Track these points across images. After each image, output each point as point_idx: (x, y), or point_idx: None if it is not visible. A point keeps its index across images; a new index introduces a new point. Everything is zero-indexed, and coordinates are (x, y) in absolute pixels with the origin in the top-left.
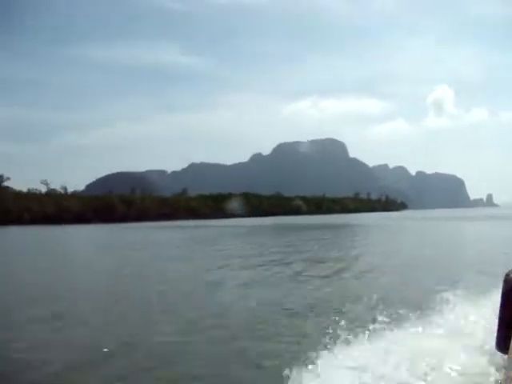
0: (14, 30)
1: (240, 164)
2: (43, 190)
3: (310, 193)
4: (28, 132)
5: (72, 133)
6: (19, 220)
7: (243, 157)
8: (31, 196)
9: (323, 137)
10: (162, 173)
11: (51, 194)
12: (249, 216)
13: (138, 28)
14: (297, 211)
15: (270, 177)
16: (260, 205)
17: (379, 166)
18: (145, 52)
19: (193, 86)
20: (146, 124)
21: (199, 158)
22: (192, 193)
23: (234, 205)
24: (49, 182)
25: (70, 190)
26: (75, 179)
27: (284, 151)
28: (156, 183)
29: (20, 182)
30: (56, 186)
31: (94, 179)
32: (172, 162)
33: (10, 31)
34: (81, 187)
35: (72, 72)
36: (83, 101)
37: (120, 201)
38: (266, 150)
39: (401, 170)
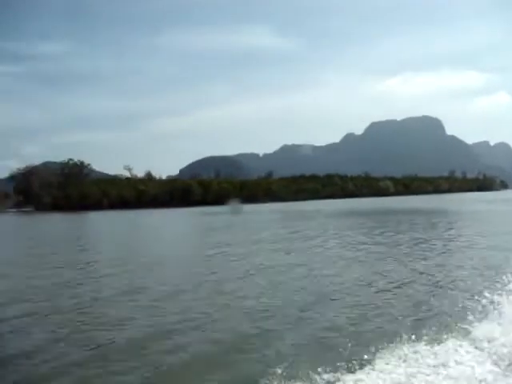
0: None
1: (332, 145)
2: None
3: (403, 173)
4: (122, 120)
5: (164, 119)
6: (98, 205)
7: (335, 137)
8: (110, 181)
9: (418, 114)
10: (255, 156)
11: (130, 179)
12: (330, 197)
13: (225, 13)
14: (383, 192)
15: (363, 157)
16: (344, 186)
17: (479, 143)
18: (232, 36)
19: (283, 68)
20: (235, 108)
21: (291, 139)
22: (284, 175)
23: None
24: (131, 167)
25: (164, 175)
26: (169, 165)
27: (377, 131)
28: (248, 166)
29: (114, 169)
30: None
31: (187, 164)
32: (264, 145)
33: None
34: (175, 172)
35: (158, 60)
36: (172, 88)
37: (198, 184)
38: (359, 130)
39: (503, 147)
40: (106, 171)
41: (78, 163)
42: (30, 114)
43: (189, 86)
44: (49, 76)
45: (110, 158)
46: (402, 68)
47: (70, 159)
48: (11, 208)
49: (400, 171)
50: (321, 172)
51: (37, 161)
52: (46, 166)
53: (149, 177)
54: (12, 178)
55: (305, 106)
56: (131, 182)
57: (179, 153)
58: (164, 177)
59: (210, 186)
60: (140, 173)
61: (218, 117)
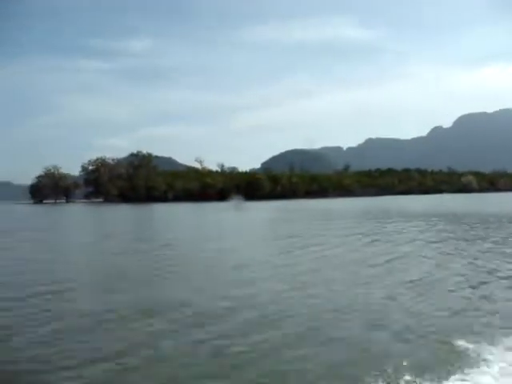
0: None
1: (419, 138)
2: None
3: (494, 168)
4: (207, 113)
5: (249, 113)
6: (164, 197)
7: (422, 131)
8: (177, 174)
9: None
10: (338, 149)
11: (198, 172)
12: (406, 193)
13: (308, 5)
14: (465, 188)
15: (451, 151)
16: (422, 181)
17: None
18: (316, 29)
19: (368, 59)
20: (320, 101)
21: (376, 133)
22: (367, 169)
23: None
24: (202, 159)
25: (246, 168)
26: (253, 158)
27: (467, 124)
28: (331, 160)
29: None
30: (232, 164)
31: (270, 157)
32: (348, 139)
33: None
34: (257, 165)
35: (243, 54)
36: (257, 82)
37: (267, 178)
38: (447, 123)
39: None
40: (189, 163)
41: (146, 155)
42: (115, 108)
43: (273, 80)
44: (134, 71)
45: (195, 151)
46: (495, 58)
47: (139, 151)
48: (81, 199)
49: (490, 166)
50: (406, 167)
51: (122, 154)
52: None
53: (221, 169)
54: (83, 169)
55: (390, 99)
56: (198, 174)
57: (263, 146)
58: (246, 170)
59: (279, 180)
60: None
61: (302, 110)
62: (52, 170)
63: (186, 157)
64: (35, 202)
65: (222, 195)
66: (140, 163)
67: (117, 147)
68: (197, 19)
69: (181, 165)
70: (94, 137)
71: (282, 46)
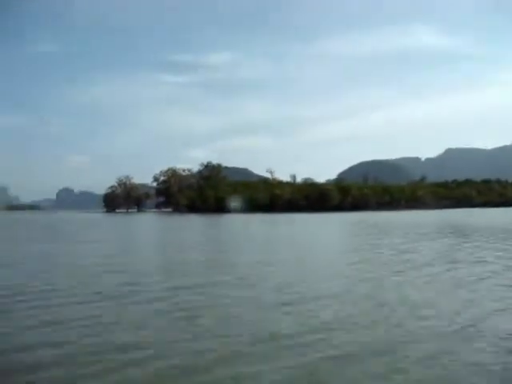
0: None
1: (503, 148)
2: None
3: None
4: (280, 125)
5: (322, 124)
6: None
7: (506, 140)
8: (246, 185)
9: None
10: (416, 160)
11: (267, 183)
12: (484, 206)
13: (383, 15)
14: None
15: None
16: (503, 193)
17: None
18: (393, 38)
19: (449, 67)
20: (393, 111)
21: (456, 143)
22: (447, 180)
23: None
24: (273, 170)
25: (322, 179)
26: (328, 169)
27: None
28: (409, 171)
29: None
30: (309, 175)
31: (347, 168)
32: (427, 149)
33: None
34: (332, 176)
35: (312, 67)
36: (333, 93)
37: (336, 189)
38: None
39: None
40: (263, 174)
41: (216, 166)
42: (196, 119)
43: (350, 91)
44: (214, 84)
45: (270, 162)
46: None
47: (209, 162)
48: (151, 208)
49: None
50: (487, 177)
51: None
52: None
53: (293, 180)
54: (154, 179)
55: (471, 107)
56: (267, 185)
57: (340, 157)
58: (323, 181)
59: (349, 191)
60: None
61: (378, 120)
62: (124, 180)
63: (261, 167)
64: (108, 211)
65: (291, 206)
66: (210, 174)
67: (196, 158)
68: (273, 33)
69: (256, 175)
70: (177, 148)
71: (356, 57)
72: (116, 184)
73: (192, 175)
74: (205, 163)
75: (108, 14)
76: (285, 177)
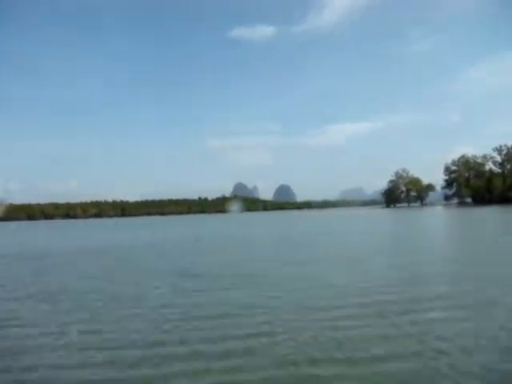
0: None
1: None
2: None
3: None
4: None
5: None
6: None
7: None
8: None
9: None
10: None
11: None
12: None
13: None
14: None
15: None
16: None
17: None
18: None
19: None
20: None
21: None
22: None
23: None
24: None
25: None
26: None
27: None
28: None
29: None
30: None
31: None
32: None
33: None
34: None
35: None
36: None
37: None
38: None
39: None
40: None
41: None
42: None
43: None
44: None
45: None
46: None
47: (502, 145)
48: (435, 202)
49: None
50: None
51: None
52: None
53: None
54: (446, 169)
55: None
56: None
57: None
58: None
59: None
60: None
61: None
62: (401, 173)
63: None
64: (387, 206)
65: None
66: (505, 159)
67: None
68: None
69: None
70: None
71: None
72: (394, 178)
73: (482, 163)
74: (498, 147)
75: None
76: None
